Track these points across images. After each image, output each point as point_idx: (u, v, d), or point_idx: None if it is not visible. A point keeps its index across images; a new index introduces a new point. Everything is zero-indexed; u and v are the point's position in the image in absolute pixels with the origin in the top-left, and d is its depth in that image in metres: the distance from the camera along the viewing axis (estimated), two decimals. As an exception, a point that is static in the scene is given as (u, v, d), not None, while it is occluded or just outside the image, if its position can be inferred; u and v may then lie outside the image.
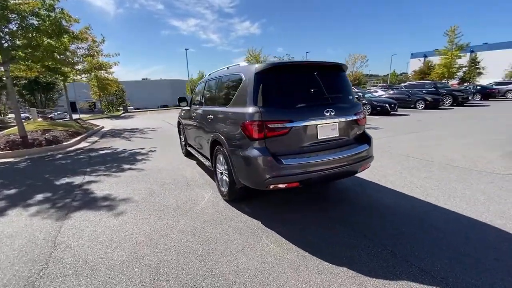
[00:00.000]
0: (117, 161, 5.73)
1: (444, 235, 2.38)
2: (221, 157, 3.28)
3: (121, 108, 32.15)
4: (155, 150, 6.76)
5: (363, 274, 1.93)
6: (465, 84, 27.31)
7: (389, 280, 1.86)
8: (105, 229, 2.75)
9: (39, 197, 3.76)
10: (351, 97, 3.09)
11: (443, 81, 25.36)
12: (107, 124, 15.60)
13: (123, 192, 3.83)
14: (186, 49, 37.29)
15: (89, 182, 4.38)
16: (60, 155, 6.62)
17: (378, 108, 12.81)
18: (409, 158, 4.99)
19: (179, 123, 6.02)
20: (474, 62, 33.95)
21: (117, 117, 23.04)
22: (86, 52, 11.95)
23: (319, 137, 2.70)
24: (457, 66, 27.71)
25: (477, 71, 33.68)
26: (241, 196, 3.18)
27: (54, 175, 4.81)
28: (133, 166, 5.25)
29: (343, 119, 2.79)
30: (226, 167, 3.14)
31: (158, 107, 37.05)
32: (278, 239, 2.44)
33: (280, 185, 2.53)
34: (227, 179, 3.13)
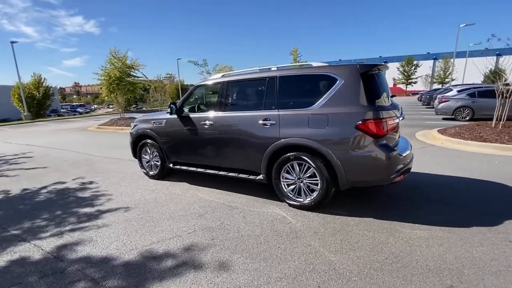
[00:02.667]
0: (67, 208, 3.78)
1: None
2: (295, 165, 3.18)
3: None
4: (94, 182, 4.88)
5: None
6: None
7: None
8: None
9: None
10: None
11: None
12: None
13: None
14: (13, 42, 24.86)
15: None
16: None
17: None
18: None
19: (139, 137, 4.76)
20: None
21: None
22: None
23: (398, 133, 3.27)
24: None
25: None
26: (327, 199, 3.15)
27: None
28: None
29: (401, 118, 3.49)
30: (305, 174, 3.12)
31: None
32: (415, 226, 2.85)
33: (398, 178, 2.91)
34: (314, 186, 3.10)
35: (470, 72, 42.98)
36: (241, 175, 3.68)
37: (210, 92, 4.58)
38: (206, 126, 3.82)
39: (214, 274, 2.15)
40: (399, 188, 3.77)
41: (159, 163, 4.63)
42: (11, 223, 3.25)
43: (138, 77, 27.17)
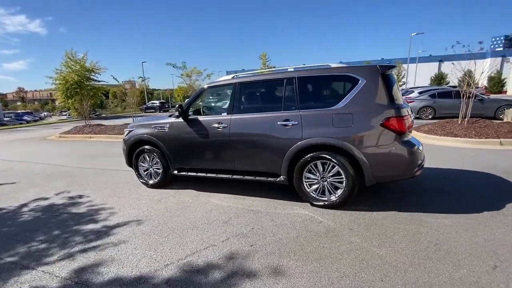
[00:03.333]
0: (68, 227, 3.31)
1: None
2: (318, 164, 3.21)
3: None
4: (85, 196, 4.38)
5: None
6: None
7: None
8: None
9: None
10: None
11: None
12: None
13: None
14: None
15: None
16: None
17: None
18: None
19: (136, 144, 4.42)
20: None
21: None
22: None
23: None
24: None
25: None
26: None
27: None
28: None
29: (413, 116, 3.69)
30: (329, 173, 3.16)
31: None
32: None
33: (418, 172, 3.08)
34: (339, 184, 3.16)
35: (419, 76, 47.95)
36: (258, 178, 3.60)
37: (219, 94, 4.43)
38: (220, 129, 3.67)
39: (272, 281, 2.05)
40: (398, 182, 3.98)
41: (160, 171, 4.32)
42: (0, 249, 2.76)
43: (99, 81, 25.32)
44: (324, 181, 3.26)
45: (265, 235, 2.76)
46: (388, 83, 3.05)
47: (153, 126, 4.26)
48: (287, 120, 3.30)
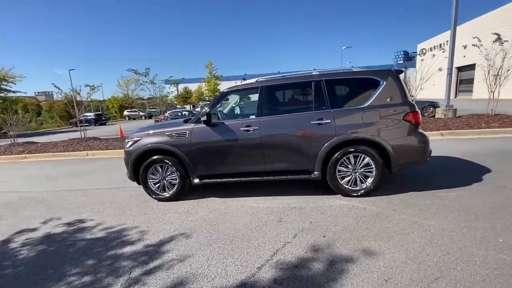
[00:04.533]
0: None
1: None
2: (351, 157, 3.57)
3: None
4: (89, 220, 3.74)
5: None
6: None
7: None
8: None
9: None
10: None
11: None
12: None
13: None
14: None
15: None
16: None
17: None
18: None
19: (145, 155, 4.03)
20: None
21: None
22: None
23: None
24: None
25: None
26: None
27: None
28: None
29: None
30: (360, 165, 3.56)
31: None
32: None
33: (429, 157, 3.69)
34: (369, 173, 3.56)
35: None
36: (291, 177, 3.74)
37: (242, 98, 4.39)
38: (250, 131, 3.69)
39: (372, 260, 2.25)
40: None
41: (176, 181, 4.01)
42: (29, 293, 2.19)
43: (13, 91, 21.22)
44: (355, 173, 3.62)
45: (328, 225, 2.93)
46: (401, 84, 3.63)
47: (168, 133, 3.96)
48: (320, 119, 3.57)
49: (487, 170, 4.36)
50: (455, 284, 1.91)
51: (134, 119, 38.37)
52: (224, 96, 4.04)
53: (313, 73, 3.82)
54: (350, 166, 3.61)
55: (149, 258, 2.57)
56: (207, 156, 3.89)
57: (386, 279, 2.01)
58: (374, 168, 3.54)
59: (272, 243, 2.67)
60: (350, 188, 3.65)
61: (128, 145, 4.18)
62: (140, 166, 4.06)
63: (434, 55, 30.76)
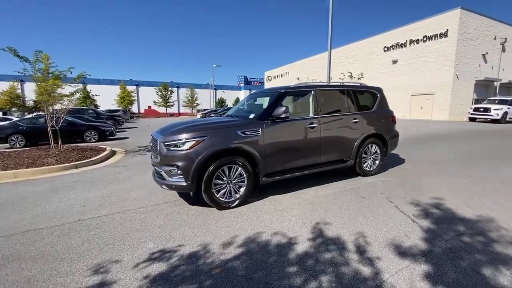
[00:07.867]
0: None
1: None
2: (368, 147, 4.96)
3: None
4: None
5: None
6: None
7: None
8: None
9: None
10: None
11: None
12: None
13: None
14: None
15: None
16: None
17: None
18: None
19: (213, 158, 3.52)
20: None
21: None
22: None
23: None
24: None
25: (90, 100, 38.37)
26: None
27: None
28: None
29: None
30: (375, 150, 5.06)
31: None
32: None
33: None
34: (378, 157, 5.08)
35: (207, 99, 58.14)
36: (333, 166, 4.57)
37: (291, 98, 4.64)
38: (313, 128, 4.21)
39: (434, 202, 3.63)
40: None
41: (244, 183, 3.72)
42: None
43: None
44: (370, 158, 5.05)
45: (376, 192, 4.15)
46: (385, 97, 5.49)
47: (240, 132, 3.64)
48: (355, 119, 4.72)
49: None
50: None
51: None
52: (284, 96, 4.24)
53: (344, 83, 4.99)
54: (369, 153, 5.00)
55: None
56: (279, 153, 3.96)
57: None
58: (380, 154, 5.14)
59: (368, 210, 3.48)
60: (367, 169, 5.04)
61: (185, 147, 3.38)
62: (205, 171, 3.43)
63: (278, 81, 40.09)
